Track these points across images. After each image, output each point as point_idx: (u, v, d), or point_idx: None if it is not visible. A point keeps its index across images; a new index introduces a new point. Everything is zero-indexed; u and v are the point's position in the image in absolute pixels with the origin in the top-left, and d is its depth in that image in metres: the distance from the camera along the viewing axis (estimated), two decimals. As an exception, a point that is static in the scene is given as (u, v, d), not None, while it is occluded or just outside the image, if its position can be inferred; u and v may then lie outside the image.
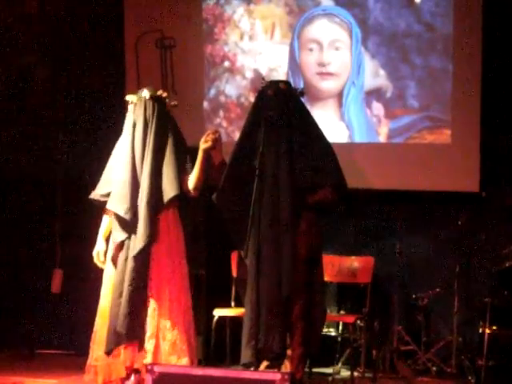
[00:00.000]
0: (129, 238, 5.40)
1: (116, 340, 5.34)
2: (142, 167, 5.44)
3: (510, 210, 6.77)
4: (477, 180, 6.85)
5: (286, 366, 5.31)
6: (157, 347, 5.34)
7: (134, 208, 5.39)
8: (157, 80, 7.27)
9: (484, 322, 6.15)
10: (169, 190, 5.40)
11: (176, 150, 5.47)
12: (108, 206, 5.46)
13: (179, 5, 7.53)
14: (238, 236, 5.33)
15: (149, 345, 5.33)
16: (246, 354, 5.23)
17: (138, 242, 5.34)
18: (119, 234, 5.42)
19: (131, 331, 5.31)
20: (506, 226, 6.75)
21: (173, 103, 5.61)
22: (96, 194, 5.56)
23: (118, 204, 5.41)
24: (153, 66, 7.46)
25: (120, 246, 5.42)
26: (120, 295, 5.36)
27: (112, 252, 5.48)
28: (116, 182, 5.47)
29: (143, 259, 5.35)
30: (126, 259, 5.38)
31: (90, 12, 7.64)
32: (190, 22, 7.50)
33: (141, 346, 5.35)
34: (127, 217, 5.38)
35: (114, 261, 5.46)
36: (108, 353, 5.35)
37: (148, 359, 5.29)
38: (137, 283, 5.33)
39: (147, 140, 5.45)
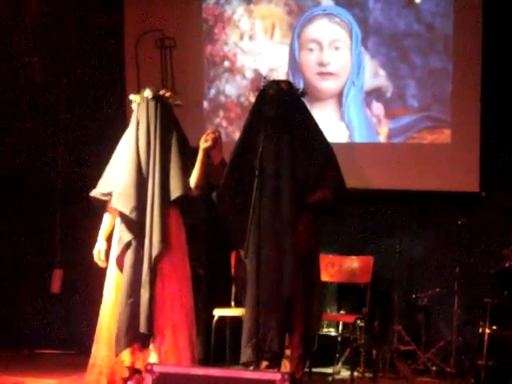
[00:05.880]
0: (135, 238, 5.39)
1: (128, 340, 5.33)
2: (147, 167, 5.44)
3: (510, 210, 6.77)
4: (477, 180, 6.85)
5: (286, 366, 5.31)
6: (160, 346, 5.35)
7: (140, 207, 5.38)
8: (157, 80, 7.26)
9: (484, 322, 6.15)
10: (174, 190, 5.41)
11: (180, 150, 5.48)
12: (113, 205, 5.44)
13: (179, 5, 7.53)
14: (237, 235, 5.32)
15: (152, 344, 5.35)
16: (245, 353, 5.23)
17: (154, 246, 5.34)
18: (126, 235, 5.41)
19: (150, 332, 5.33)
20: (506, 225, 6.74)
21: (177, 103, 5.63)
22: (97, 193, 5.53)
23: (124, 203, 5.39)
24: (153, 66, 7.45)
25: (127, 246, 5.40)
26: (129, 296, 5.34)
27: (117, 252, 5.45)
28: (120, 181, 5.44)
29: (155, 262, 5.38)
30: (136, 260, 5.36)
31: (90, 12, 7.65)
32: (190, 21, 7.50)
33: (145, 346, 5.36)
34: (133, 216, 5.37)
35: (119, 261, 5.43)
36: (117, 353, 5.35)
37: (153, 359, 5.31)
38: (154, 285, 5.35)
39: (151, 140, 5.46)
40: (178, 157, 5.46)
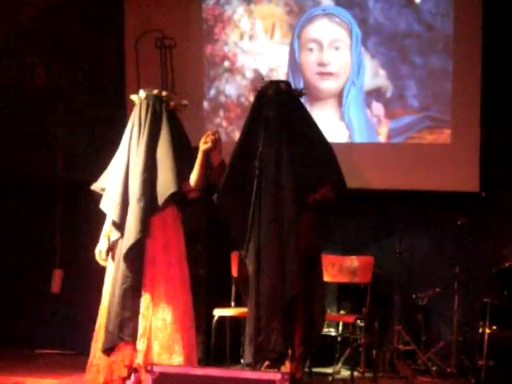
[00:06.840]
0: (122, 237, 5.42)
1: (111, 339, 5.35)
2: (134, 167, 5.44)
3: (510, 210, 6.77)
4: (477, 180, 6.85)
5: (286, 366, 5.30)
6: (148, 347, 5.33)
7: (124, 209, 5.40)
8: (157, 80, 7.27)
9: (484, 322, 6.15)
10: (166, 188, 5.39)
11: (175, 149, 5.45)
12: (100, 205, 5.50)
13: (179, 5, 7.54)
14: (238, 236, 5.32)
15: (140, 344, 5.32)
16: (248, 354, 5.22)
17: (127, 239, 5.35)
18: (113, 234, 5.46)
19: (123, 330, 5.32)
20: (505, 225, 6.75)
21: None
22: (96, 187, 5.61)
23: (107, 204, 5.46)
24: (153, 66, 7.46)
25: (116, 244, 5.45)
26: (113, 295, 5.37)
27: (112, 251, 5.50)
28: (110, 181, 5.51)
29: (135, 257, 5.36)
30: (120, 258, 5.40)
31: (90, 12, 7.65)
32: (190, 21, 7.50)
33: (134, 346, 5.35)
34: (115, 217, 5.41)
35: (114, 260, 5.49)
36: (104, 352, 5.36)
37: (139, 359, 5.30)
38: (129, 282, 5.34)
39: (140, 141, 5.46)
40: (170, 156, 5.42)
